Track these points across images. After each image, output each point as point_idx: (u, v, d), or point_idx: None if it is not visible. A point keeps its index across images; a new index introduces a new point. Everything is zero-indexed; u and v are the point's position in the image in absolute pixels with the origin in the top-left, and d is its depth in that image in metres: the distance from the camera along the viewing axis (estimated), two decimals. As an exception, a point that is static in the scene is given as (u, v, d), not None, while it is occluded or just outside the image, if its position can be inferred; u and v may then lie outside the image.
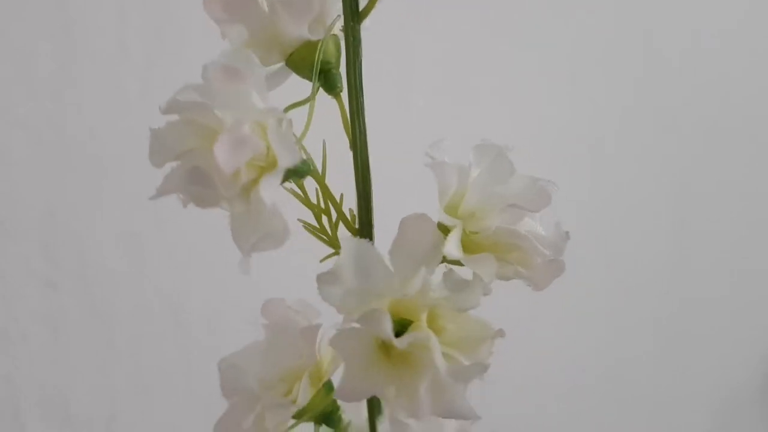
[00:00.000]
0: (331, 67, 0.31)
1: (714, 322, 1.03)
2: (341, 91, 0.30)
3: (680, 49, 0.95)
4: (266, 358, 0.32)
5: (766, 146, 1.05)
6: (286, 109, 0.28)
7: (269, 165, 0.26)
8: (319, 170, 0.30)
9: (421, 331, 0.26)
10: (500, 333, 0.27)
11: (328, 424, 0.33)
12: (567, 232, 0.30)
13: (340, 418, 0.33)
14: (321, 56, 0.30)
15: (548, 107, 0.85)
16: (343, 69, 0.31)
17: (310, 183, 0.31)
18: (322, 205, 0.30)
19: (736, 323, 1.05)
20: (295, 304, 0.32)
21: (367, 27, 0.31)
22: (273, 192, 0.26)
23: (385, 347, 0.26)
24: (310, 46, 0.30)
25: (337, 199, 0.31)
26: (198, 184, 0.26)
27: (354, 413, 0.34)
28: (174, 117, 0.27)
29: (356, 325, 0.26)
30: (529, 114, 0.86)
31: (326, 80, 0.30)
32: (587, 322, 0.94)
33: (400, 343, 0.25)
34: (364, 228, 0.30)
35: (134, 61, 0.68)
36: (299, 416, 0.32)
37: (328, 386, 0.33)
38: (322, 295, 0.26)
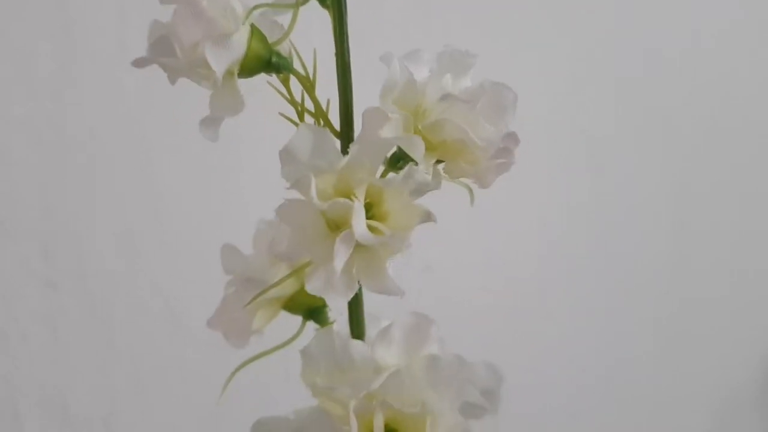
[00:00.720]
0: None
1: (714, 322, 1.03)
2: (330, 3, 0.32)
3: (680, 49, 0.95)
4: (255, 244, 0.35)
5: (766, 146, 1.05)
6: (269, 6, 0.31)
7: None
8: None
9: (349, 199, 0.28)
10: (430, 215, 0.28)
11: (315, 320, 0.35)
12: (513, 133, 0.31)
13: (326, 315, 0.35)
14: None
15: (547, 106, 0.85)
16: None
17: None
18: (311, 108, 0.33)
19: (736, 323, 1.05)
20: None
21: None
22: (221, 61, 0.28)
23: (333, 224, 0.28)
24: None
25: (324, 106, 0.33)
26: (164, 54, 0.29)
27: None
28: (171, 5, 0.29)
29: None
30: (528, 113, 0.86)
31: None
32: (587, 322, 0.94)
33: (322, 205, 0.28)
34: (345, 130, 0.32)
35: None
36: (287, 306, 0.35)
37: None
38: (282, 174, 0.29)
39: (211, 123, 0.30)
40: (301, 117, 0.33)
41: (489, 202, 0.86)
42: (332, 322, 0.36)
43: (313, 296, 0.33)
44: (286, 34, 0.32)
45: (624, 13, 0.92)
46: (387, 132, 0.29)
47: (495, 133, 0.30)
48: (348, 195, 0.28)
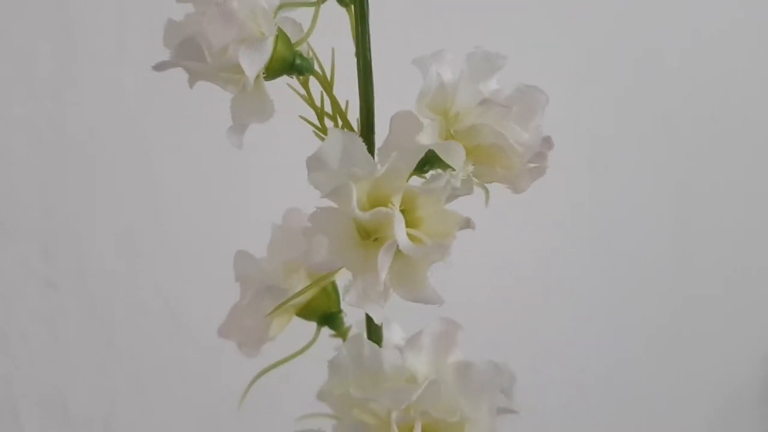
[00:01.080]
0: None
1: (715, 321, 1.03)
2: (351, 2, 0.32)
3: (680, 49, 0.95)
4: (270, 250, 0.34)
5: (767, 146, 1.05)
6: (288, 6, 0.30)
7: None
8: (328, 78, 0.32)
9: (388, 208, 0.27)
10: (469, 221, 0.28)
11: (330, 326, 0.35)
12: (549, 137, 0.31)
13: (342, 321, 0.35)
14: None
15: (547, 107, 0.85)
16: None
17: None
18: (328, 110, 0.32)
19: (738, 322, 1.04)
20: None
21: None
22: (254, 65, 0.28)
23: (363, 231, 0.28)
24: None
25: (343, 106, 0.32)
26: (190, 57, 0.28)
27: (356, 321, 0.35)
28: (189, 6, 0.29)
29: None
30: None
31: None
32: (588, 322, 0.94)
33: (363, 215, 0.27)
34: (365, 131, 0.32)
35: (134, 60, 0.68)
36: (301, 313, 0.34)
37: (332, 287, 0.34)
38: (310, 180, 0.28)
39: (239, 130, 0.29)
40: (321, 119, 0.32)
41: (491, 202, 0.87)
42: (348, 327, 0.35)
43: (328, 302, 0.35)
44: (308, 33, 0.31)
45: (624, 13, 0.92)
46: (424, 138, 0.29)
47: (532, 138, 0.30)
48: (383, 202, 0.28)
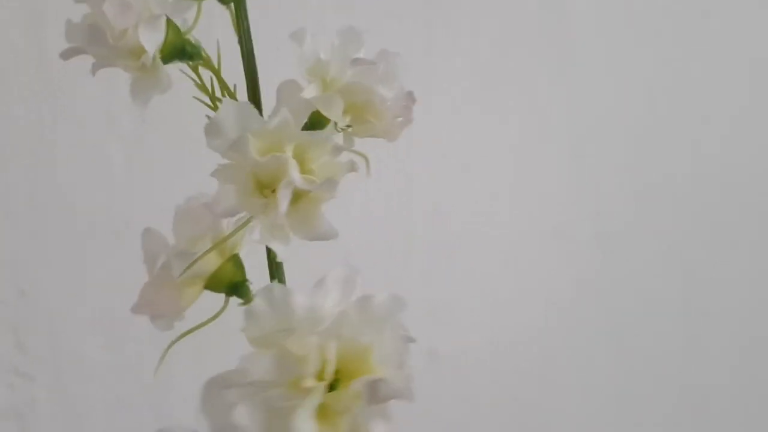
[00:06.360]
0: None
1: (721, 408, 0.99)
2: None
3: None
4: (175, 229, 0.37)
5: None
6: None
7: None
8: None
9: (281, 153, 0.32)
10: (353, 165, 0.33)
11: (238, 295, 0.38)
12: (411, 92, 0.37)
13: (248, 290, 0.38)
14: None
15: (555, 184, 0.84)
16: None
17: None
18: (218, 94, 0.37)
19: (744, 408, 0.98)
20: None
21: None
22: (152, 41, 0.34)
23: (261, 184, 0.33)
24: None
25: (231, 89, 0.37)
26: (94, 42, 0.33)
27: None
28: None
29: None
30: (532, 186, 0.85)
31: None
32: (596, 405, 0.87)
33: (260, 160, 0.32)
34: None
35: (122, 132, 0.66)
36: (209, 284, 0.37)
37: (236, 259, 0.38)
38: (209, 146, 0.32)
39: (141, 103, 0.35)
40: (213, 100, 0.37)
41: (495, 282, 0.84)
42: (255, 295, 0.37)
43: (234, 272, 0.38)
44: (194, 23, 0.37)
45: (631, 88, 0.90)
46: (307, 94, 0.34)
47: (397, 93, 0.37)
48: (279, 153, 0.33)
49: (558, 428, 0.89)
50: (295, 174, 0.32)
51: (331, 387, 0.32)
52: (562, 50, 0.87)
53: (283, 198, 0.31)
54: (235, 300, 0.38)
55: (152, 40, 0.33)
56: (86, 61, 0.35)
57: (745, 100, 0.99)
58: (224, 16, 0.37)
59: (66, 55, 0.34)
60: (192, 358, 0.68)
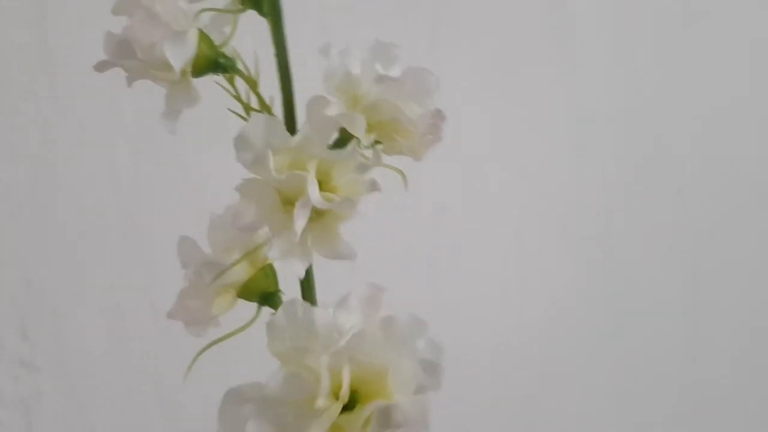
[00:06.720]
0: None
1: (726, 406, 0.98)
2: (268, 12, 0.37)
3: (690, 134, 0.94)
4: (209, 237, 0.38)
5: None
6: (210, 10, 0.36)
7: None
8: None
9: (302, 171, 0.32)
10: (375, 183, 0.33)
11: (270, 305, 0.38)
12: (439, 109, 0.36)
13: (280, 300, 0.38)
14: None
15: (555, 182, 0.84)
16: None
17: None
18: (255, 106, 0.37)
19: (748, 409, 0.98)
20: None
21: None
22: (179, 57, 0.34)
23: (285, 198, 0.33)
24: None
25: (267, 101, 0.37)
26: (124, 56, 0.33)
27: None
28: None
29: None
30: (537, 187, 0.85)
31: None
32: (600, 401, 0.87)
33: (280, 177, 0.32)
34: (288, 123, 0.36)
35: (128, 127, 0.66)
36: (242, 293, 0.38)
37: (269, 269, 0.38)
38: (238, 159, 0.33)
39: (170, 116, 0.35)
40: (247, 112, 0.37)
41: (499, 283, 0.84)
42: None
43: (266, 282, 0.38)
44: (230, 36, 0.37)
45: (636, 91, 0.90)
46: (331, 111, 0.34)
47: (425, 111, 0.36)
48: (301, 170, 0.33)
49: (558, 428, 0.89)
50: (313, 192, 0.32)
51: (348, 405, 0.32)
52: (566, 50, 0.86)
53: (300, 216, 0.31)
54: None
55: (179, 55, 0.33)
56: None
57: (747, 90, 0.99)
58: (254, 29, 0.36)
59: (100, 67, 0.35)
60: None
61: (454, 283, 0.81)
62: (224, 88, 0.37)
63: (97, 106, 0.66)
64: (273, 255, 0.32)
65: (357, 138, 0.34)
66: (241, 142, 0.33)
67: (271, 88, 0.37)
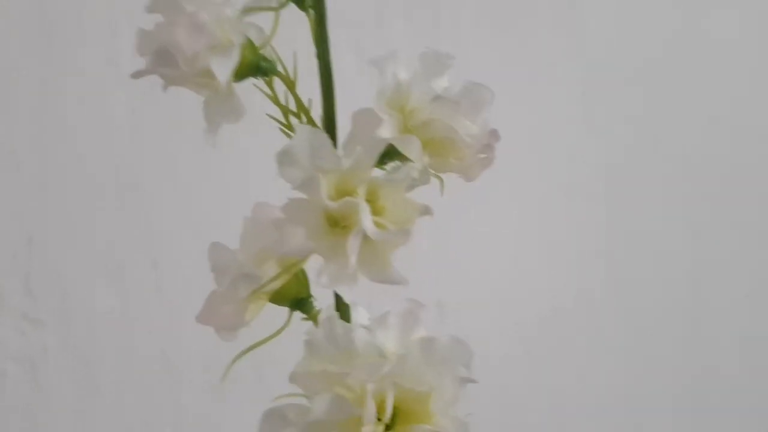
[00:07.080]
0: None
1: (729, 393, 0.98)
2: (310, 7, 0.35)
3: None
4: (243, 241, 0.37)
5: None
6: (252, 10, 0.34)
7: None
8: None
9: (354, 197, 0.31)
10: (428, 208, 0.32)
11: (301, 310, 0.37)
12: (495, 130, 0.35)
13: (312, 305, 0.37)
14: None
15: (566, 146, 0.83)
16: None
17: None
18: (293, 108, 0.35)
19: (752, 395, 1.00)
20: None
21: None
22: (225, 71, 0.32)
23: (332, 220, 0.32)
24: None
25: (306, 103, 0.35)
26: (164, 65, 0.32)
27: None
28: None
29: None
30: (547, 151, 0.84)
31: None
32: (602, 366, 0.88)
33: (332, 205, 0.31)
34: (328, 127, 0.35)
35: (125, 81, 0.64)
36: (274, 298, 0.37)
37: (301, 274, 0.37)
38: (281, 174, 0.31)
39: (213, 129, 0.33)
40: (286, 116, 0.36)
41: (501, 237, 0.83)
42: (318, 311, 0.38)
43: (299, 288, 0.37)
44: (270, 36, 0.35)
45: (646, 61, 0.89)
46: (384, 132, 0.33)
47: (480, 131, 0.34)
48: (350, 193, 0.31)
49: (558, 428, 0.89)
50: (368, 223, 0.31)
51: (388, 426, 0.31)
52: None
53: (353, 247, 0.30)
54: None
55: (225, 69, 0.32)
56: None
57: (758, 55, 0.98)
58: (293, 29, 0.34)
59: (137, 75, 0.33)
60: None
61: (455, 283, 0.80)
62: (263, 91, 0.35)
63: (94, 58, 0.64)
64: (323, 283, 0.31)
65: (407, 158, 0.33)
66: (286, 158, 0.31)
67: (308, 91, 0.35)
